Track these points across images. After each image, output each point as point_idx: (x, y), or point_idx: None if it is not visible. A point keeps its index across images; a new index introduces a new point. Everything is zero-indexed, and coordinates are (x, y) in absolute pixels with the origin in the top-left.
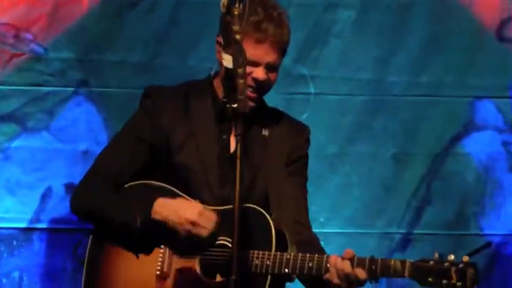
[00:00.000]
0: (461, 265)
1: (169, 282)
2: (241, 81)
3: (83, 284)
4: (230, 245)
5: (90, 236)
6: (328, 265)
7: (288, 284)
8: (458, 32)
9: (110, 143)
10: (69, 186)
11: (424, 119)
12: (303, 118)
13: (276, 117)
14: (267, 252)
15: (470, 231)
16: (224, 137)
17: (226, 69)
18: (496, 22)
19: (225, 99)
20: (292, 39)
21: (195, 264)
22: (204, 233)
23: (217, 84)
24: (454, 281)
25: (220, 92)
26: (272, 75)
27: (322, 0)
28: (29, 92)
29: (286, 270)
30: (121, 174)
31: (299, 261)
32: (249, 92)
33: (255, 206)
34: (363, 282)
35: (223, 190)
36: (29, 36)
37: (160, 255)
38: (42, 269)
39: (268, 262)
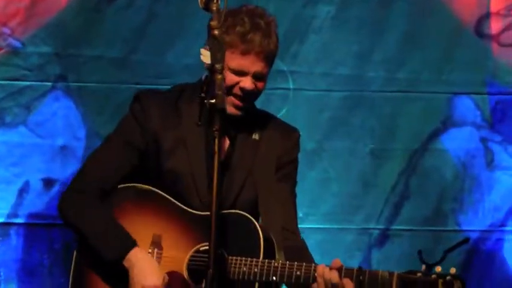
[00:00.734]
0: (448, 277)
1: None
2: (219, 76)
3: None
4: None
5: (74, 251)
6: (316, 275)
7: None
8: (437, 28)
9: (99, 147)
10: (46, 181)
11: (402, 115)
12: (282, 113)
13: (266, 120)
14: (254, 259)
15: (449, 227)
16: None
17: (205, 64)
18: (475, 18)
19: (203, 95)
20: None
21: (183, 270)
22: None
23: None
24: None
25: None
26: (260, 84)
27: None
28: (7, 86)
29: (274, 278)
30: (109, 178)
31: (287, 269)
32: (236, 101)
33: (243, 213)
34: None
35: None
36: (6, 30)
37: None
38: (20, 264)
39: (255, 269)
